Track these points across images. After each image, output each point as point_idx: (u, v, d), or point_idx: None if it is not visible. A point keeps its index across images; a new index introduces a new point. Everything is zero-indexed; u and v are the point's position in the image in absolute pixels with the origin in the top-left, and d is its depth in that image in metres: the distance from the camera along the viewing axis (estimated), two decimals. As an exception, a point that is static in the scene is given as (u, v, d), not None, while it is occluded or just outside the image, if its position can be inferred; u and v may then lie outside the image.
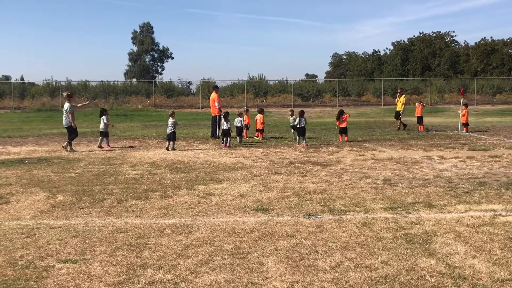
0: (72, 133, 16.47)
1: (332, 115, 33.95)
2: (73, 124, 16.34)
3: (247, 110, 21.86)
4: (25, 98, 49.45)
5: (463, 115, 22.28)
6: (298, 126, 17.79)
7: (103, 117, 17.55)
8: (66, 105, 16.49)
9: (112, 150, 16.56)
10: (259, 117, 20.39)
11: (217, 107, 19.90)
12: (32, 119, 34.54)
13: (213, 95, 20.49)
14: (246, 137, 20.37)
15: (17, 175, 11.87)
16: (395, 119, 24.53)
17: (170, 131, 16.80)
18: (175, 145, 16.95)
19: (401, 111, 23.57)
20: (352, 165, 12.84)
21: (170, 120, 16.97)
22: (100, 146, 17.19)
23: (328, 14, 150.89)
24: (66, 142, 16.46)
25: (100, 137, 17.49)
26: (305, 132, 17.95)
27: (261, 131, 20.30)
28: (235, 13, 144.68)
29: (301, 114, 17.92)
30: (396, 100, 24.63)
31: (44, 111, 40.93)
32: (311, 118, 32.84)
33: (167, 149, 16.60)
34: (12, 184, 10.69)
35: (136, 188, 10.17)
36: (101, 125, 17.54)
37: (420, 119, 22.94)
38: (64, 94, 17.50)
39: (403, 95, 24.10)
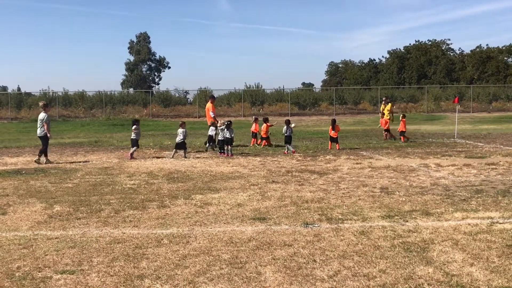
0: (46, 143, 16.32)
1: (329, 124, 33.98)
2: (49, 134, 16.28)
3: (256, 119, 21.91)
4: (22, 109, 49.42)
5: (402, 125, 21.80)
6: (285, 134, 18.32)
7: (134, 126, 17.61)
8: (42, 115, 16.35)
9: (133, 160, 16.69)
10: (263, 126, 20.66)
11: (211, 116, 20.01)
12: (29, 129, 34.39)
13: (208, 104, 20.80)
14: (253, 144, 20.99)
15: (14, 185, 11.84)
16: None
17: (180, 141, 17.00)
18: (186, 154, 17.13)
19: (390, 119, 23.24)
20: (349, 174, 12.85)
21: (180, 130, 17.17)
22: (131, 156, 17.24)
23: (324, 23, 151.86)
24: (37, 157, 16.10)
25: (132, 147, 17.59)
26: (291, 140, 18.45)
27: (267, 139, 20.60)
28: (232, 23, 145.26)
29: (287, 122, 18.64)
30: (381, 109, 24.49)
31: (41, 121, 40.86)
32: (308, 126, 32.91)
33: (173, 156, 16.86)
34: (9, 195, 10.67)
35: (133, 198, 10.16)
36: (133, 135, 17.55)
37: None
38: (41, 103, 17.31)
39: (390, 103, 23.83)
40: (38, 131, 16.47)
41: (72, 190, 11.18)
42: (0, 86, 70.24)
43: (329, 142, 19.34)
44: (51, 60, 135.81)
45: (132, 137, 17.43)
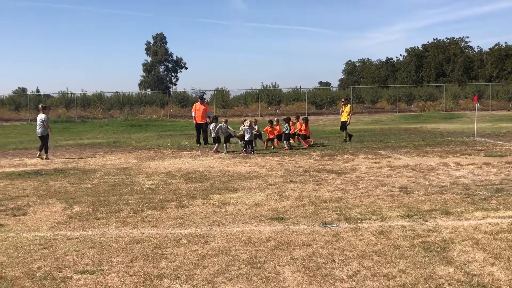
0: (46, 141, 17.76)
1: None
2: (50, 132, 17.97)
3: (289, 119, 21.23)
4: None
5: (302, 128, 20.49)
6: (285, 131, 19.29)
7: (213, 124, 18.85)
8: (43, 116, 17.91)
9: (218, 154, 17.86)
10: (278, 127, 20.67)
11: (193, 115, 21.19)
12: (48, 130, 34.81)
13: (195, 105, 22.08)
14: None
15: (34, 186, 11.97)
16: (340, 130, 22.93)
17: (249, 139, 17.84)
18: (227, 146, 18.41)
19: (347, 121, 22.07)
20: (368, 173, 12.78)
21: (248, 128, 17.93)
22: (215, 151, 18.38)
23: (341, 22, 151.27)
24: (38, 153, 17.73)
25: (215, 144, 18.73)
26: (289, 137, 19.46)
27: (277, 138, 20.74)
28: (248, 23, 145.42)
29: (287, 120, 19.64)
30: (340, 110, 23.02)
31: (60, 122, 41.27)
32: (325, 126, 32.80)
33: (227, 151, 18.10)
34: (29, 196, 10.78)
35: (152, 198, 10.21)
36: (212, 132, 18.78)
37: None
38: (40, 105, 18.89)
39: (349, 105, 22.58)
40: (39, 130, 17.90)
41: (91, 190, 11.27)
42: (19, 87, 70.91)
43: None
44: (69, 62, 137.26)
45: (212, 136, 18.86)
